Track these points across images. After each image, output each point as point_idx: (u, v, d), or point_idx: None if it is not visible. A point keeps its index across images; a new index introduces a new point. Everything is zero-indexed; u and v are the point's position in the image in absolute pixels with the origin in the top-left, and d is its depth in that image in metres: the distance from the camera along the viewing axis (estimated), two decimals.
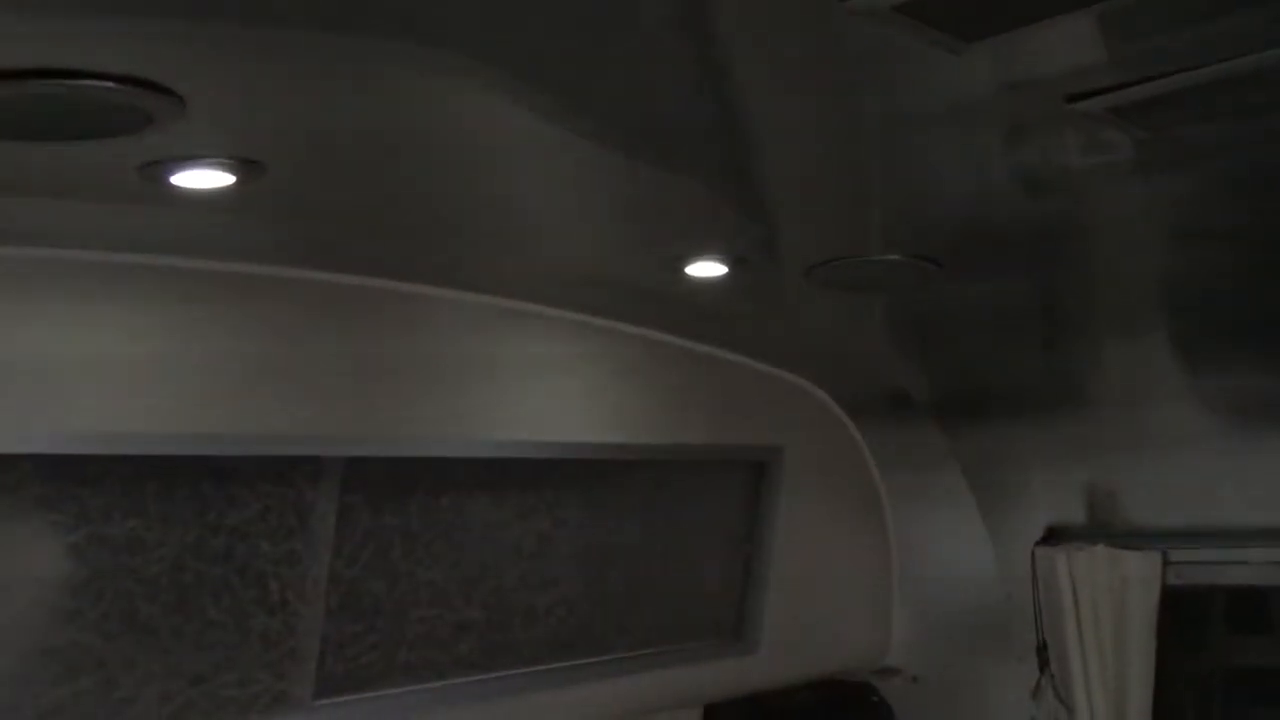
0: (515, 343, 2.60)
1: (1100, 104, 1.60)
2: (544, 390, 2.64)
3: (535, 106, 1.65)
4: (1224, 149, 1.85)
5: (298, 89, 1.54)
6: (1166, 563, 3.10)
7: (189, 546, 2.16)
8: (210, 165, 1.70)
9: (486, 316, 2.55)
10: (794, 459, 3.20)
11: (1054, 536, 3.24)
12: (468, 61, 1.50)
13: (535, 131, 1.72)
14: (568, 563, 2.79)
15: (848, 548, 3.49)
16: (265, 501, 2.26)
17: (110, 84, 1.39)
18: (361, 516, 2.40)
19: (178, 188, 1.76)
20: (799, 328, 2.97)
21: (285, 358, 2.22)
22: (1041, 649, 3.22)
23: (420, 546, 2.51)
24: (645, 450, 2.86)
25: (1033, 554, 3.21)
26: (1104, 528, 3.18)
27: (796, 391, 3.30)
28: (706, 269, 2.41)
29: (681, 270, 2.39)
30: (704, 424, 2.99)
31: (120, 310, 2.06)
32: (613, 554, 2.89)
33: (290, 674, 2.32)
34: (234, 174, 1.73)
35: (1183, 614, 3.14)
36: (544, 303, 2.63)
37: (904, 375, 3.22)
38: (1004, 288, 2.57)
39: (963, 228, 2.23)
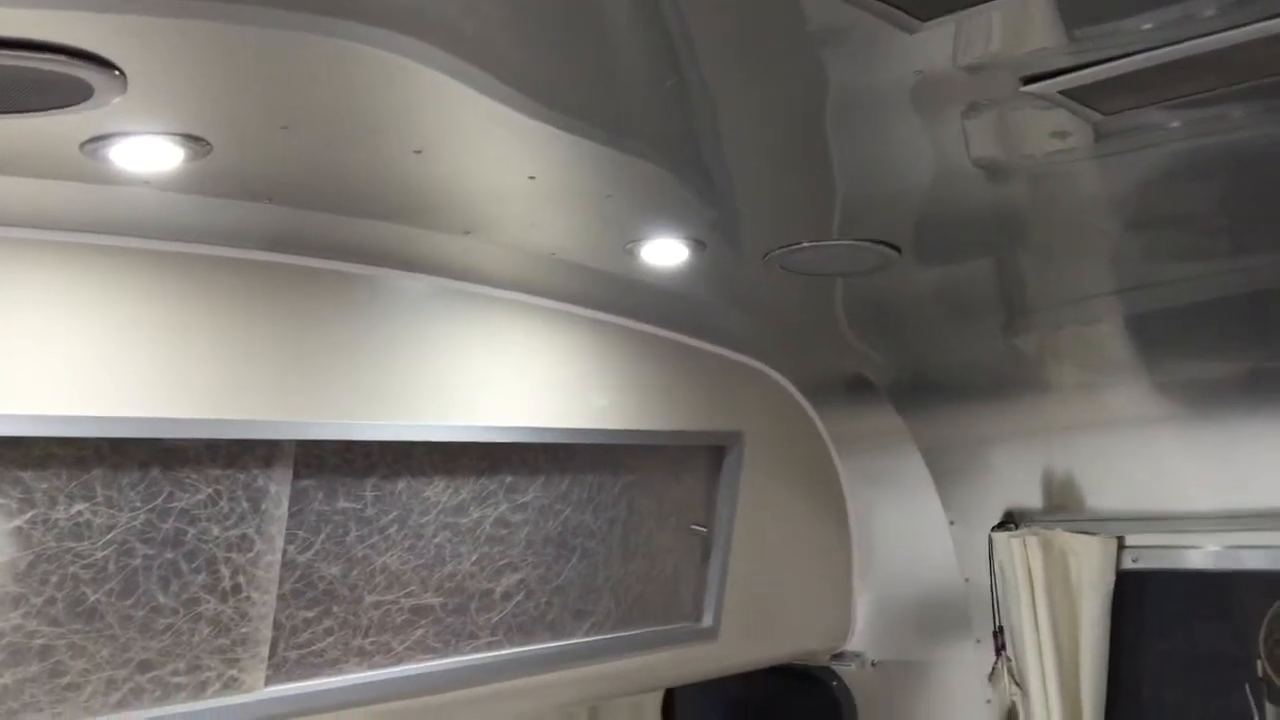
0: (472, 326, 2.58)
1: (1055, 86, 1.61)
2: (501, 374, 2.62)
3: (489, 88, 1.63)
4: (1180, 134, 1.86)
5: (243, 64, 1.51)
6: (1122, 547, 3.12)
7: (137, 531, 2.12)
8: (153, 142, 1.67)
9: (442, 299, 2.53)
10: (754, 444, 3.20)
11: (1011, 520, 3.26)
12: (418, 41, 1.48)
13: (489, 112, 1.69)
14: (526, 548, 2.78)
15: (807, 532, 3.50)
16: (216, 485, 2.22)
17: (46, 55, 1.36)
18: (315, 500, 2.38)
19: (121, 165, 1.73)
20: (758, 313, 2.97)
21: (236, 340, 2.19)
22: (998, 633, 3.25)
23: (376, 531, 2.49)
24: (604, 435, 2.85)
25: (990, 538, 3.23)
26: (1061, 512, 3.21)
27: (756, 376, 3.30)
28: (664, 252, 2.40)
29: (639, 253, 2.38)
30: (663, 409, 2.98)
31: (67, 291, 2.02)
32: (571, 539, 2.88)
33: (242, 660, 2.29)
34: (178, 151, 1.70)
35: (1138, 598, 3.17)
36: (501, 286, 2.61)
37: (863, 360, 3.22)
38: (962, 272, 2.57)
39: (921, 213, 2.23)
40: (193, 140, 1.68)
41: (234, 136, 1.72)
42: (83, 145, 1.66)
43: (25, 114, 1.53)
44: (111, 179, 1.80)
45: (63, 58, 1.37)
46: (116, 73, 1.42)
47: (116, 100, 1.50)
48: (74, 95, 1.46)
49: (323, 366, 2.32)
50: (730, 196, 2.17)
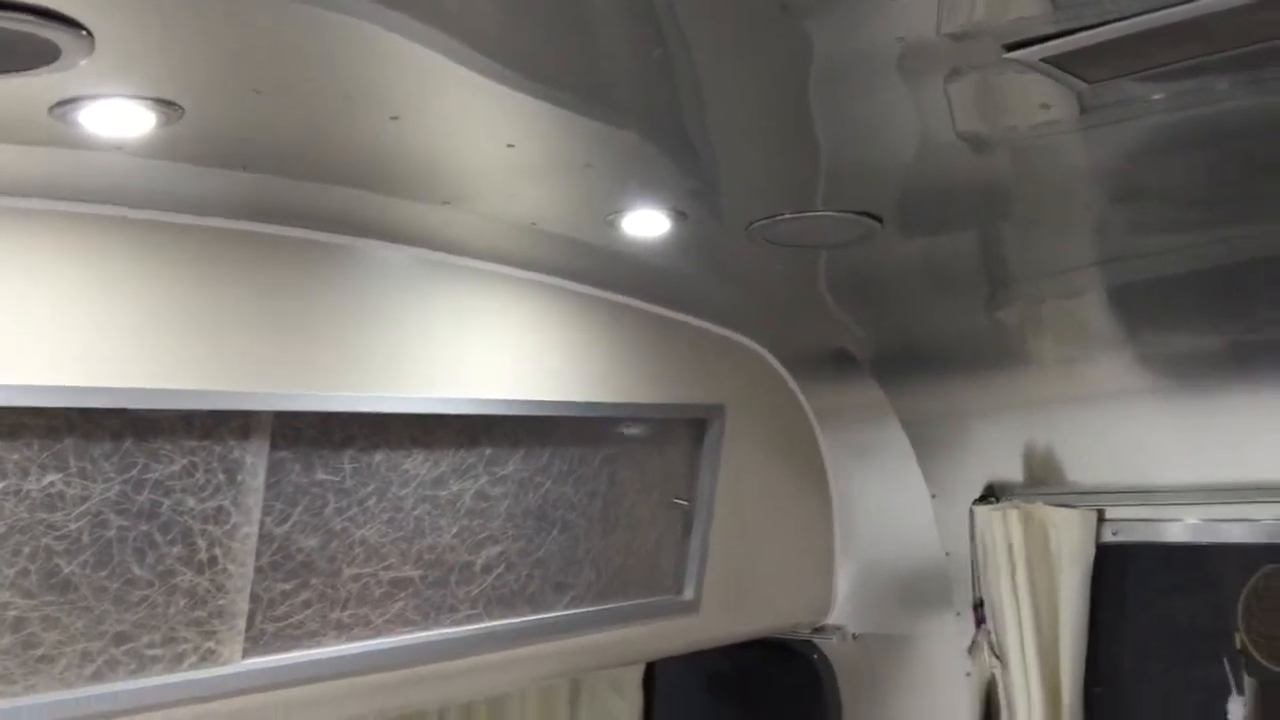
0: (453, 297, 2.56)
1: (1037, 53, 1.59)
2: (481, 346, 2.61)
3: (465, 56, 1.61)
4: (1163, 105, 1.85)
5: (214, 25, 1.48)
6: (1102, 520, 3.13)
7: (111, 502, 2.10)
8: (123, 106, 1.64)
9: (422, 270, 2.50)
10: (735, 417, 3.19)
11: (993, 493, 3.27)
12: (394, 10, 1.46)
13: (466, 79, 1.67)
14: (506, 521, 2.77)
15: (789, 506, 3.50)
16: (191, 457, 2.20)
17: (10, 14, 1.33)
18: (292, 472, 2.36)
19: (91, 130, 1.70)
20: (740, 285, 2.96)
21: (211, 310, 2.16)
22: (979, 605, 3.26)
23: (354, 503, 2.47)
24: (586, 408, 2.84)
25: (971, 511, 3.24)
26: (1042, 485, 3.21)
27: (738, 349, 3.29)
28: (645, 223, 2.38)
29: (620, 224, 2.36)
30: (645, 382, 2.97)
31: (38, 259, 1.99)
32: (552, 512, 2.87)
33: (219, 633, 2.28)
34: (150, 116, 1.67)
35: (1118, 571, 3.18)
36: (481, 257, 2.59)
37: (845, 333, 3.21)
38: (945, 245, 2.57)
39: (905, 184, 2.22)
40: (164, 104, 1.65)
41: (206, 100, 1.69)
42: (51, 109, 1.63)
43: None
44: (82, 144, 1.77)
45: (28, 16, 1.34)
46: (84, 32, 1.39)
47: (84, 62, 1.47)
48: (41, 56, 1.43)
49: (300, 337, 2.30)
50: (712, 166, 2.15)
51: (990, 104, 1.87)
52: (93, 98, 1.61)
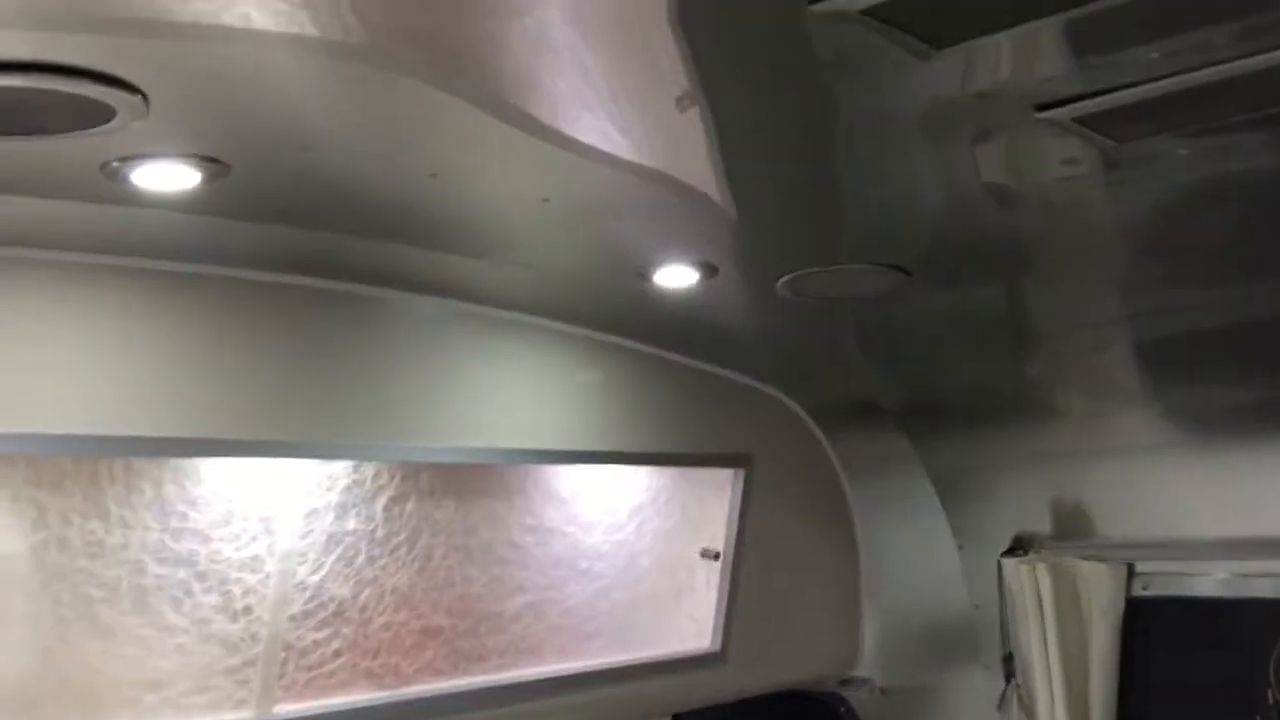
0: (486, 348, 2.59)
1: (1068, 113, 1.61)
2: (512, 396, 2.63)
3: (504, 113, 1.64)
4: (1189, 162, 1.86)
5: (266, 87, 1.52)
6: (1132, 574, 3.11)
7: (150, 549, 2.13)
8: (173, 165, 1.68)
9: (456, 322, 2.53)
10: (763, 468, 3.20)
11: (1021, 546, 3.25)
12: (433, 65, 1.49)
13: (504, 136, 1.71)
14: (535, 570, 2.78)
15: (817, 557, 3.49)
16: (229, 505, 2.23)
17: (70, 78, 1.38)
18: (326, 521, 2.38)
19: (141, 187, 1.74)
20: (768, 337, 2.97)
21: (251, 362, 2.20)
22: (1007, 659, 3.23)
23: (386, 553, 2.49)
24: (616, 458, 2.85)
25: (999, 564, 3.22)
26: (1071, 538, 3.20)
27: (766, 400, 3.30)
28: (676, 277, 2.40)
29: (651, 277, 2.39)
30: (674, 432, 2.98)
31: (86, 312, 2.03)
32: (581, 561, 2.87)
33: (251, 681, 2.29)
34: (197, 174, 1.71)
35: (1148, 625, 3.16)
36: (514, 309, 2.62)
37: (873, 385, 3.22)
38: (973, 298, 2.58)
39: (933, 238, 2.24)
40: (211, 162, 1.69)
41: (253, 158, 1.73)
42: (102, 167, 1.67)
43: (48, 135, 1.54)
44: (129, 200, 1.81)
45: (86, 81, 1.39)
46: (139, 96, 1.44)
47: (138, 123, 1.51)
48: (96, 117, 1.47)
49: (335, 388, 2.32)
50: (741, 221, 2.17)
51: (1018, 161, 1.89)
52: (143, 157, 1.65)
